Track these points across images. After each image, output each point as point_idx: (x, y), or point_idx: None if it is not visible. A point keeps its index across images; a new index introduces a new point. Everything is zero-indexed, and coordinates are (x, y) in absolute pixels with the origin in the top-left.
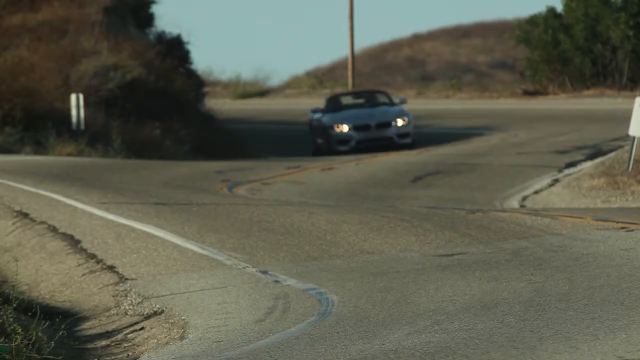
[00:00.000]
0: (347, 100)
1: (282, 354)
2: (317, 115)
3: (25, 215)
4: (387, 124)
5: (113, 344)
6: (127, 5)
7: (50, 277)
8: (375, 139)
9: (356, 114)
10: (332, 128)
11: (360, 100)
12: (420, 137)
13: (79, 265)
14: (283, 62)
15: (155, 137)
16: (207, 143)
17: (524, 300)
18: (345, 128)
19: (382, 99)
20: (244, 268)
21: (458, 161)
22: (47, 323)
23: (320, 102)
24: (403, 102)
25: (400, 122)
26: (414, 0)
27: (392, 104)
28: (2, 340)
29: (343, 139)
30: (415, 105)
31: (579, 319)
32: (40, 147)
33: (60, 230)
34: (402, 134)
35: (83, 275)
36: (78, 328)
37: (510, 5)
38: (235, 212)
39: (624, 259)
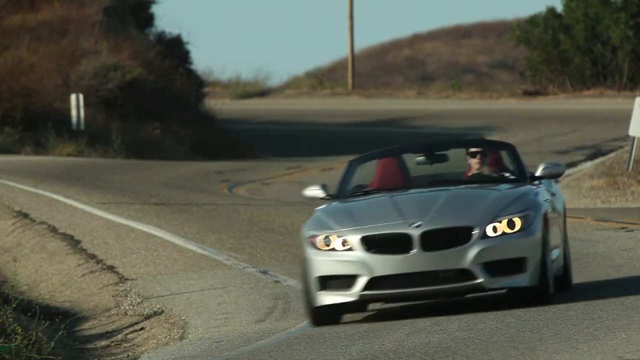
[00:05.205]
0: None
1: (282, 354)
2: (319, 215)
3: (25, 215)
4: (459, 233)
5: (113, 344)
6: (127, 5)
7: (50, 277)
8: (420, 279)
9: (404, 202)
10: (313, 242)
11: (441, 163)
12: (420, 137)
13: (79, 265)
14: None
15: (155, 137)
16: (207, 143)
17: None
18: (341, 242)
19: (501, 167)
20: (243, 268)
21: None
22: (47, 323)
23: (320, 103)
24: (555, 172)
25: (498, 228)
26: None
27: (519, 178)
28: (2, 340)
29: (333, 275)
30: (415, 105)
31: (579, 319)
32: (40, 147)
33: (60, 231)
34: (500, 262)
35: (83, 275)
36: (78, 328)
37: (510, 5)
38: (235, 212)
39: (624, 259)
